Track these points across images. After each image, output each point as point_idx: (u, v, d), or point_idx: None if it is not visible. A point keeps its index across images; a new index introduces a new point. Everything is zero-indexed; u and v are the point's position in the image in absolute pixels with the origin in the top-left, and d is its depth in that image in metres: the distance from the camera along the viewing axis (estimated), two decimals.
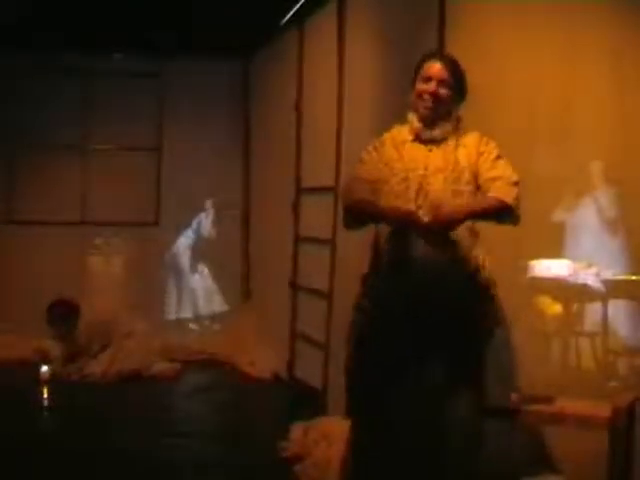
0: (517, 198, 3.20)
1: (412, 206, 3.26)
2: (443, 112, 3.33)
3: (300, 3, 6.19)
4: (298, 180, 6.43)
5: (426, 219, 3.15)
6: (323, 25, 5.85)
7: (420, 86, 3.34)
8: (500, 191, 3.21)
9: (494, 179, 3.24)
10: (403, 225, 3.20)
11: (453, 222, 3.16)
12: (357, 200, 3.39)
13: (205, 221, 8.11)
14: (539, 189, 3.75)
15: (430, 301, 3.17)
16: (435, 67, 3.32)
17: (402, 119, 3.49)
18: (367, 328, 3.31)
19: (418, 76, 3.35)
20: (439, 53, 3.46)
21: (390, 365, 3.22)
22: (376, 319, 3.28)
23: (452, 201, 3.22)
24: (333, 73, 5.49)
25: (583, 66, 3.63)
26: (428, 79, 3.32)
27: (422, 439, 3.18)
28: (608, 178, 3.61)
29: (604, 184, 3.63)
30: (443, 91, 3.30)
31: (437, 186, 3.26)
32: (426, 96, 3.32)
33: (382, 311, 3.26)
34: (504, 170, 3.25)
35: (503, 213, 3.22)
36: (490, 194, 3.23)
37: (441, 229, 3.15)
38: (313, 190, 6.12)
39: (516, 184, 3.22)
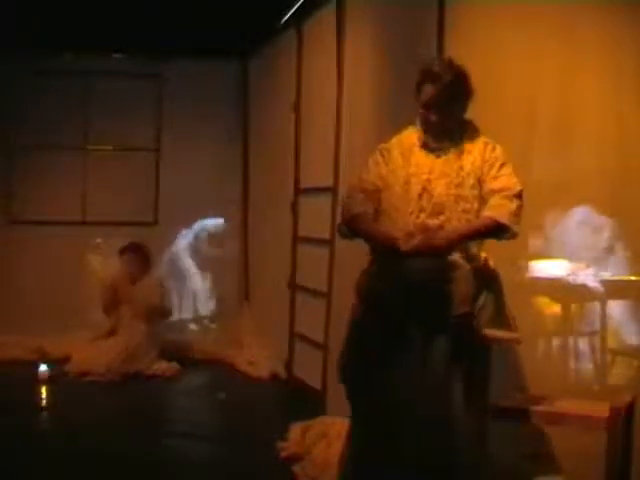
0: (516, 213, 3.22)
1: (413, 207, 3.30)
2: (450, 125, 3.37)
3: (299, 3, 6.20)
4: (297, 180, 6.43)
5: (415, 242, 3.16)
6: (322, 25, 5.85)
7: (420, 108, 3.38)
8: (497, 209, 3.22)
9: (495, 192, 3.26)
10: (390, 250, 3.23)
11: (442, 250, 3.17)
12: (355, 215, 3.44)
13: (204, 221, 8.11)
14: (538, 190, 3.76)
15: (423, 301, 3.16)
16: (430, 94, 3.33)
17: (400, 120, 3.51)
18: (357, 327, 3.32)
19: (418, 96, 3.38)
20: (433, 73, 3.33)
21: (379, 365, 3.21)
22: (365, 318, 3.28)
23: (450, 220, 3.26)
24: (332, 74, 5.49)
25: (583, 69, 3.64)
26: (426, 107, 3.35)
27: (418, 436, 3.17)
28: (607, 178, 3.61)
29: (603, 184, 3.63)
30: (443, 115, 3.33)
31: (440, 190, 3.28)
32: (425, 120, 3.37)
33: (371, 310, 3.26)
34: (507, 181, 3.27)
35: (498, 232, 3.24)
36: (486, 212, 3.25)
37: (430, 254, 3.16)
38: (312, 190, 6.12)
39: (517, 196, 3.24)
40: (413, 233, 3.24)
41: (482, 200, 3.33)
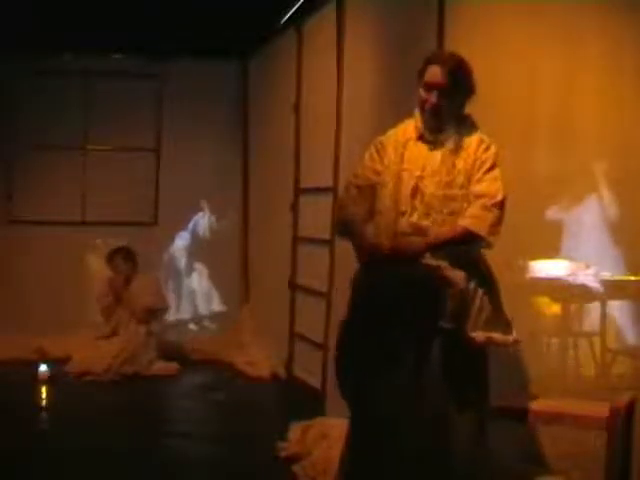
0: (494, 224, 3.19)
1: (406, 206, 3.30)
2: (448, 115, 3.33)
3: (299, 4, 6.20)
4: (297, 180, 6.43)
5: (393, 243, 3.22)
6: (322, 25, 5.85)
7: (422, 93, 3.33)
8: (475, 219, 3.19)
9: (477, 196, 3.23)
10: (369, 256, 3.27)
11: (418, 254, 3.18)
12: (347, 216, 3.47)
13: (204, 221, 8.11)
14: (538, 189, 3.77)
15: (409, 299, 3.15)
16: (435, 75, 3.29)
17: (401, 119, 3.50)
18: (348, 322, 3.31)
19: (421, 80, 3.34)
20: (440, 57, 3.37)
21: (367, 362, 3.20)
22: (355, 313, 3.28)
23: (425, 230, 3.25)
24: (332, 73, 5.49)
25: (583, 69, 3.65)
26: (429, 87, 3.30)
27: (411, 436, 3.17)
28: (607, 178, 3.61)
29: (603, 184, 3.63)
30: (444, 100, 3.28)
31: (431, 190, 3.28)
32: (428, 106, 3.32)
33: (360, 306, 3.26)
34: (490, 186, 3.23)
35: (472, 241, 3.22)
36: (463, 222, 3.22)
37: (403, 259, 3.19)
38: (312, 190, 6.12)
39: (497, 205, 3.20)
40: (404, 233, 3.26)
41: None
